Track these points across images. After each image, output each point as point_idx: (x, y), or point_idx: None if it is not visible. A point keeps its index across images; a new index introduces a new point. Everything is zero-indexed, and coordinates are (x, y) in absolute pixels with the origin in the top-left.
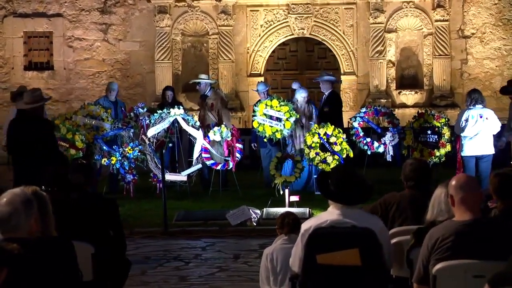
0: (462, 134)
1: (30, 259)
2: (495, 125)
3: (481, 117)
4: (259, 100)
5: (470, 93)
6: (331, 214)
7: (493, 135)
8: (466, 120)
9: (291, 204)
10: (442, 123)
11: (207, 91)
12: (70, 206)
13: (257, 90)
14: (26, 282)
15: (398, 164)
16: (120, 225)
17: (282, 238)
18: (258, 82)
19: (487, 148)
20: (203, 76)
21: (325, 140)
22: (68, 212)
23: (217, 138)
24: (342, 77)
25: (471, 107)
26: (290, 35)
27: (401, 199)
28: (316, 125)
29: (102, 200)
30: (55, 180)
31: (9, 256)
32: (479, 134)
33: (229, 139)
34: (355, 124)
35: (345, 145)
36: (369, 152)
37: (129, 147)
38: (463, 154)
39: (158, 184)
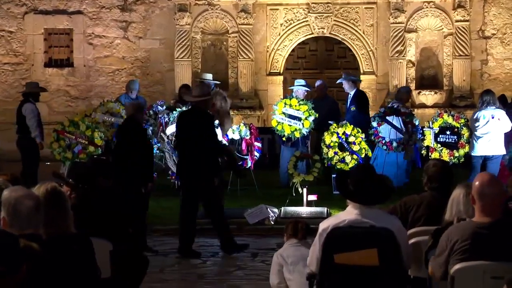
0: (474, 133)
1: (49, 256)
2: (507, 126)
3: (493, 117)
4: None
5: (482, 95)
6: (349, 213)
7: (505, 133)
8: (477, 120)
9: (309, 203)
10: (462, 124)
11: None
12: (90, 203)
13: (294, 87)
14: (45, 278)
15: (418, 164)
16: (139, 221)
17: (294, 241)
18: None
19: (497, 148)
20: (207, 75)
21: (344, 139)
22: (88, 209)
23: (236, 136)
24: (362, 77)
25: (483, 108)
26: (310, 34)
27: (421, 201)
28: (335, 124)
29: (120, 196)
30: (80, 176)
31: (28, 252)
32: (489, 134)
33: (247, 137)
34: (374, 124)
35: (364, 144)
36: (387, 152)
37: None
38: (473, 153)
39: (176, 182)
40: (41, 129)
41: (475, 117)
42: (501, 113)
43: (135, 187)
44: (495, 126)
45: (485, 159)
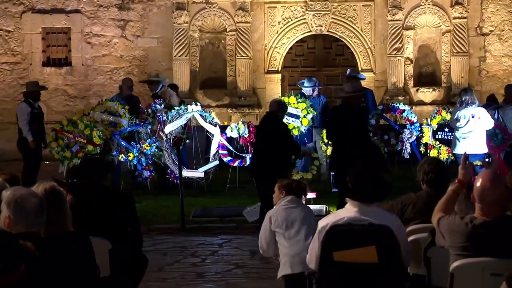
0: (455, 134)
1: (48, 255)
2: (488, 124)
3: (473, 117)
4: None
5: (461, 94)
6: (348, 211)
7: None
8: (458, 120)
9: (308, 201)
10: None
11: (157, 90)
12: (88, 202)
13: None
14: (43, 278)
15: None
16: (137, 220)
17: (285, 200)
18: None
19: (479, 147)
20: (153, 74)
21: None
22: (86, 208)
23: (234, 134)
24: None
25: (463, 108)
26: (307, 32)
27: (417, 200)
28: None
29: (119, 195)
30: (77, 175)
31: (26, 252)
32: (471, 133)
33: (246, 136)
34: (372, 122)
35: None
36: (386, 150)
37: (147, 144)
38: (455, 151)
39: (175, 180)
40: (35, 129)
41: (455, 116)
42: (481, 111)
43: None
44: (476, 125)
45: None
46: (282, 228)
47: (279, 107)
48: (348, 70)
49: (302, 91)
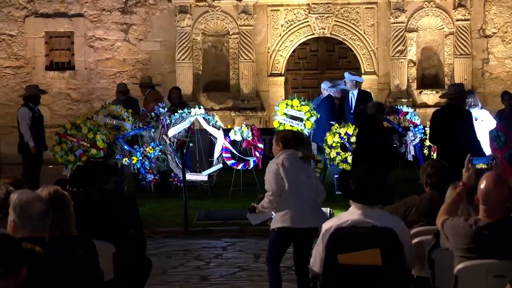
0: None
1: (52, 258)
2: (491, 125)
3: (476, 119)
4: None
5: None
6: (352, 214)
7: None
8: None
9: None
10: None
11: (147, 94)
12: (91, 205)
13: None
14: (47, 281)
15: (421, 164)
16: (140, 223)
17: (286, 153)
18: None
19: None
20: (146, 78)
21: (346, 139)
22: (89, 211)
23: (238, 137)
24: (363, 77)
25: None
26: (310, 34)
27: (420, 202)
28: (336, 124)
29: (122, 198)
30: (78, 180)
31: (29, 255)
32: None
33: (249, 139)
34: None
35: None
36: None
37: (150, 147)
38: None
39: (178, 184)
40: (37, 133)
41: None
42: (484, 114)
43: None
44: (479, 127)
45: None
46: (288, 172)
47: (377, 109)
48: (346, 73)
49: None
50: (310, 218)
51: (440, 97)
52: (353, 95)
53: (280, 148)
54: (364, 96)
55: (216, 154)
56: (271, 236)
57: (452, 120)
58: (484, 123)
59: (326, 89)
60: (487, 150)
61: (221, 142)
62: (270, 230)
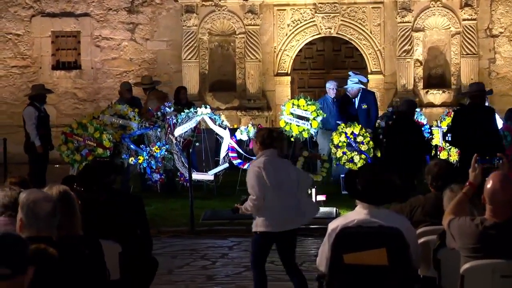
0: None
1: (57, 258)
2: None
3: None
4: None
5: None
6: (358, 213)
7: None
8: None
9: (318, 204)
10: None
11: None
12: (98, 205)
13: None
14: (53, 281)
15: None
16: (146, 222)
17: (265, 154)
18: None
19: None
20: (146, 79)
21: (352, 139)
22: (96, 211)
23: (244, 137)
24: (369, 76)
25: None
26: (317, 34)
27: (425, 202)
28: (343, 124)
29: (129, 197)
30: (85, 179)
31: (36, 255)
32: None
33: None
34: (382, 124)
35: (372, 144)
36: None
37: (156, 147)
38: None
39: (184, 183)
40: (43, 132)
41: None
42: None
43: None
44: None
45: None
46: (269, 176)
47: (409, 106)
48: (350, 72)
49: (351, 88)
50: (292, 220)
51: (461, 95)
52: (360, 94)
53: (258, 147)
54: (366, 95)
55: (222, 153)
56: (253, 239)
57: (475, 118)
58: None
59: (332, 88)
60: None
61: (227, 142)
62: (253, 232)
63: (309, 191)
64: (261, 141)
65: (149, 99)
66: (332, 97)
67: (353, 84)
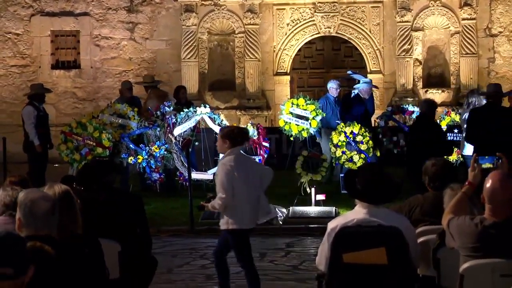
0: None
1: (57, 257)
2: None
3: None
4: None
5: (468, 96)
6: (357, 213)
7: None
8: (465, 120)
9: (317, 203)
10: None
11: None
12: (98, 204)
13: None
14: (53, 280)
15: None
16: (146, 222)
17: (235, 152)
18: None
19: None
20: (148, 78)
21: (352, 138)
22: (96, 210)
23: None
24: (369, 76)
25: (469, 110)
26: (316, 33)
27: (424, 201)
28: (342, 123)
29: (128, 197)
30: (84, 178)
31: (36, 254)
32: None
33: (255, 137)
34: (381, 123)
35: (371, 143)
36: (395, 151)
37: (156, 146)
38: (464, 153)
39: (184, 182)
40: (42, 131)
41: (463, 117)
42: None
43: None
44: None
45: None
46: (239, 173)
47: (429, 106)
48: (348, 71)
49: (361, 88)
50: (257, 217)
51: (478, 94)
52: (354, 93)
53: (227, 145)
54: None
55: None
56: (230, 237)
57: (492, 118)
58: None
59: (335, 88)
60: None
61: None
62: (222, 230)
63: (310, 191)
64: (231, 138)
65: (149, 98)
66: (335, 96)
67: (363, 83)
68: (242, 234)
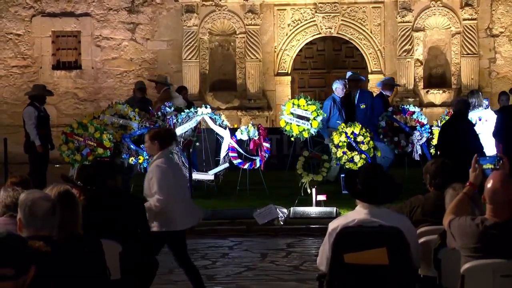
0: None
1: (58, 257)
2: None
3: (480, 119)
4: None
5: (468, 97)
6: (358, 213)
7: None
8: None
9: (318, 203)
10: None
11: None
12: (99, 205)
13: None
14: (54, 280)
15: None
16: (147, 222)
17: (165, 153)
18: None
19: (487, 149)
20: (162, 77)
21: (352, 139)
22: (97, 211)
23: (244, 137)
24: (370, 76)
25: (470, 111)
26: (317, 34)
27: (425, 202)
28: (343, 124)
29: (130, 198)
30: (86, 179)
31: (37, 254)
32: (479, 135)
33: (256, 138)
34: (383, 123)
35: (372, 144)
36: (396, 152)
37: None
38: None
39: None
40: (43, 132)
41: None
42: (488, 114)
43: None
44: (483, 127)
45: None
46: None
47: (465, 105)
48: (348, 73)
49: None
50: (190, 218)
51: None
52: (357, 93)
53: (157, 146)
54: (364, 95)
55: (223, 153)
56: (165, 239)
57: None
58: (488, 122)
59: (341, 88)
60: (492, 150)
61: (227, 142)
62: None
63: (311, 191)
64: (160, 139)
65: (160, 99)
66: (341, 96)
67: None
68: (176, 236)
